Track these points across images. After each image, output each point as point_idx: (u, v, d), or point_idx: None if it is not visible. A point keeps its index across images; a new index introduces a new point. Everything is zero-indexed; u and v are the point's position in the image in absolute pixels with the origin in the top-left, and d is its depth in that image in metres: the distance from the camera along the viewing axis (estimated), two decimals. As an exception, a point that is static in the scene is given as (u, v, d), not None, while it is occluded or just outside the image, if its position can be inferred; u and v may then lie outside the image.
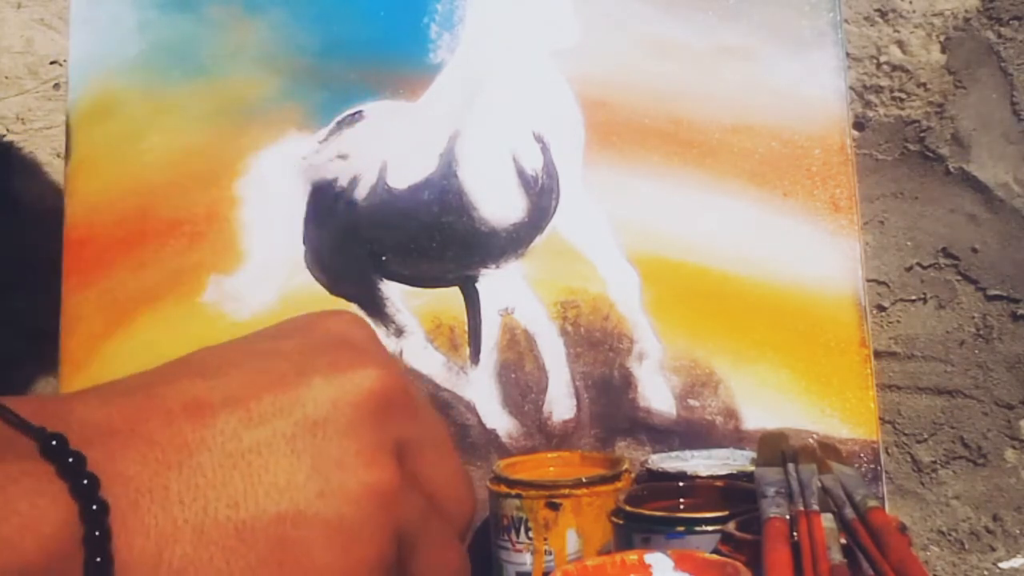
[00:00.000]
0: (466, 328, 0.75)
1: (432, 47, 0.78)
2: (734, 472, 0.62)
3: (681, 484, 0.62)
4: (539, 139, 0.76)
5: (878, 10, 0.78)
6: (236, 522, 0.29)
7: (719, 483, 0.61)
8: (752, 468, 0.58)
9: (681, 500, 0.61)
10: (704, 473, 0.63)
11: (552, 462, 0.69)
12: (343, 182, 0.77)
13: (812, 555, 0.47)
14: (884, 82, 0.77)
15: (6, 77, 0.87)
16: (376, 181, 0.77)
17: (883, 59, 0.77)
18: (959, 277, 0.76)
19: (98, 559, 0.27)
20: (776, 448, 0.57)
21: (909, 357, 0.77)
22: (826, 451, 0.58)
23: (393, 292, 0.76)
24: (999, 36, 0.76)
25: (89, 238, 0.77)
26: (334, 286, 0.77)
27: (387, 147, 0.73)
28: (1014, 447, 0.75)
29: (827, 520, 0.49)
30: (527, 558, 0.61)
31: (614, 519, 0.58)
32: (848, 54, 0.76)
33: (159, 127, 0.78)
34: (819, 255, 0.72)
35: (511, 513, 0.62)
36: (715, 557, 0.50)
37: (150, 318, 0.75)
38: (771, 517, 0.50)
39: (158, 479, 0.28)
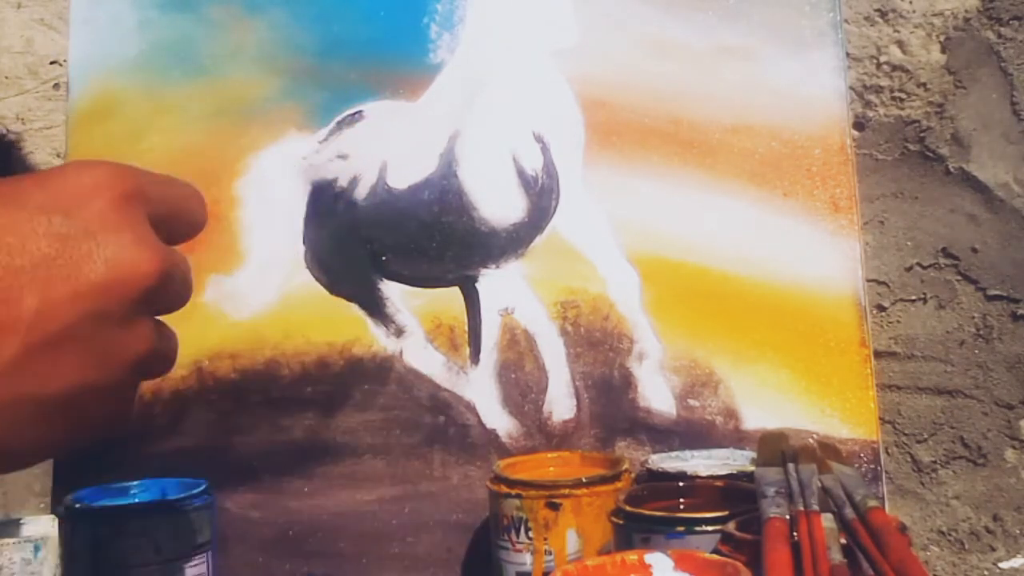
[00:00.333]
0: (466, 328, 0.75)
1: (432, 47, 0.78)
2: (734, 472, 0.62)
3: (681, 484, 0.62)
4: (539, 139, 0.76)
5: (878, 10, 0.78)
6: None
7: (719, 483, 0.61)
8: (752, 468, 0.58)
9: (681, 500, 0.61)
10: (704, 473, 0.63)
11: (552, 462, 0.69)
12: (343, 182, 0.77)
13: (812, 555, 0.47)
14: (884, 82, 0.78)
15: (6, 77, 0.87)
16: (376, 181, 0.77)
17: (883, 59, 0.78)
18: (959, 277, 0.76)
19: None
20: (776, 448, 0.57)
21: (909, 357, 0.77)
22: (826, 451, 0.58)
23: (393, 292, 0.76)
24: (999, 36, 0.76)
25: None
26: (334, 286, 0.77)
27: (387, 147, 0.73)
28: (1014, 447, 0.75)
29: (827, 520, 0.49)
30: (527, 558, 0.61)
31: (614, 519, 0.58)
32: (848, 54, 0.76)
33: (159, 127, 0.78)
34: (819, 255, 0.72)
35: (511, 513, 0.62)
36: (715, 557, 0.50)
37: (150, 318, 0.75)
38: (771, 517, 0.50)
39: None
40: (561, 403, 0.74)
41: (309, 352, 0.76)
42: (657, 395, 0.73)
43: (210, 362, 0.76)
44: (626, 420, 0.73)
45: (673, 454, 0.69)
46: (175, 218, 0.44)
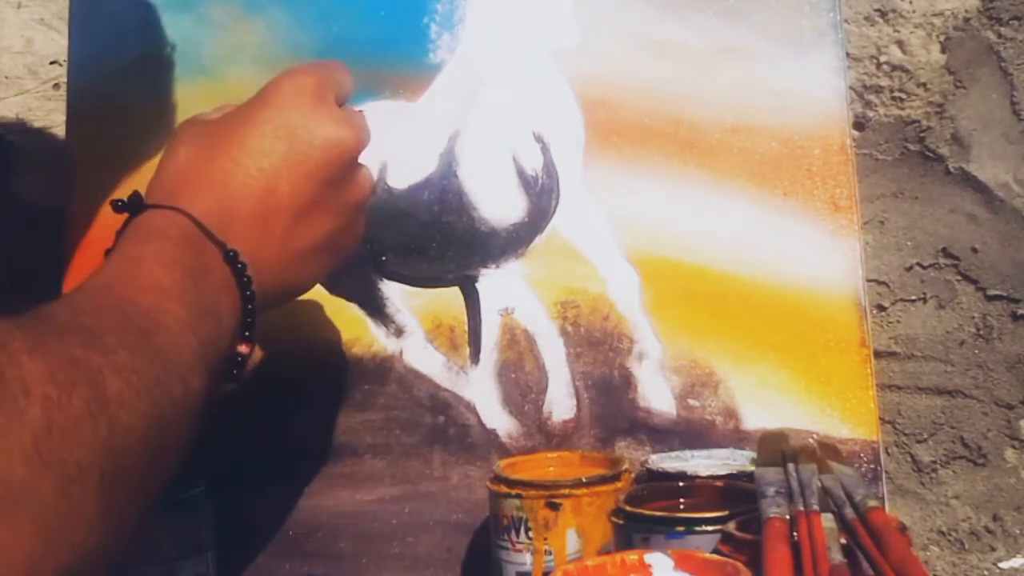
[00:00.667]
0: (466, 328, 0.75)
1: (432, 47, 0.78)
2: (734, 472, 0.62)
3: (681, 484, 0.62)
4: (539, 139, 0.76)
5: (878, 10, 0.78)
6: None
7: (719, 483, 0.61)
8: (752, 468, 0.58)
9: (681, 500, 0.61)
10: (704, 473, 0.63)
11: (552, 462, 0.69)
12: (343, 182, 0.77)
13: (812, 555, 0.47)
14: (884, 82, 0.78)
15: (6, 77, 0.88)
16: (376, 181, 0.77)
17: (883, 59, 0.77)
18: (959, 277, 0.76)
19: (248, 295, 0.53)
20: (776, 448, 0.57)
21: (909, 357, 0.77)
22: (826, 451, 0.58)
23: (393, 292, 0.76)
24: (999, 36, 0.76)
25: (89, 238, 0.77)
26: (334, 286, 0.77)
27: (387, 147, 0.73)
28: (1014, 447, 0.75)
29: (827, 520, 0.49)
30: (527, 558, 0.61)
31: (614, 519, 0.58)
32: (848, 54, 0.76)
33: (159, 127, 0.78)
34: (819, 255, 0.72)
35: (511, 513, 0.62)
36: (715, 557, 0.50)
37: (150, 318, 0.75)
38: (771, 517, 0.50)
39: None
40: (561, 403, 0.74)
41: (309, 352, 0.76)
42: (657, 395, 0.73)
43: (210, 362, 0.76)
44: (626, 420, 0.73)
45: (673, 454, 0.69)
46: (346, 95, 0.60)
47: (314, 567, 0.74)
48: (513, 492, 0.62)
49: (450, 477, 0.74)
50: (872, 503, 0.50)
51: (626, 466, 0.64)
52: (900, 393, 0.77)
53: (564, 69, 0.76)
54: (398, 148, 0.76)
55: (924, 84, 0.77)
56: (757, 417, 0.71)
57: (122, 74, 0.80)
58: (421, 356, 0.75)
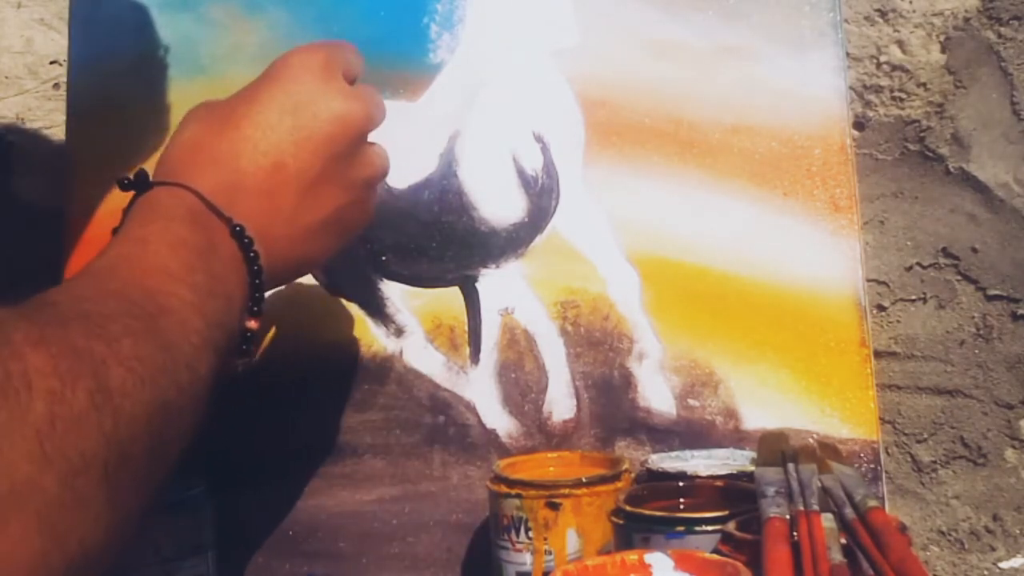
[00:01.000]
0: (466, 328, 0.75)
1: (432, 47, 0.78)
2: (734, 472, 0.62)
3: (681, 484, 0.62)
4: (539, 139, 0.76)
5: (878, 10, 0.78)
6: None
7: (719, 483, 0.61)
8: (752, 468, 0.58)
9: (681, 500, 0.61)
10: (704, 473, 0.63)
11: (552, 462, 0.69)
12: (343, 182, 0.77)
13: (812, 555, 0.47)
14: (884, 82, 0.78)
15: (6, 77, 0.88)
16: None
17: (883, 59, 0.78)
18: (959, 277, 0.76)
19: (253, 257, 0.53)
20: (776, 448, 0.57)
21: (909, 357, 0.77)
22: (826, 451, 0.58)
23: (393, 292, 0.76)
24: (999, 36, 0.76)
25: (89, 238, 0.77)
26: (334, 286, 0.77)
27: (387, 147, 0.73)
28: (1014, 447, 0.75)
29: (827, 520, 0.49)
30: (527, 558, 0.61)
31: (614, 519, 0.58)
32: (848, 54, 0.76)
33: (159, 127, 0.78)
34: (819, 255, 0.72)
35: (511, 513, 0.62)
36: (715, 557, 0.50)
37: (150, 318, 0.75)
38: (771, 517, 0.50)
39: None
40: (561, 403, 0.74)
41: (309, 352, 0.76)
42: (657, 395, 0.73)
43: (210, 362, 0.76)
44: (626, 420, 0.73)
45: (673, 454, 0.69)
46: (355, 73, 0.60)
47: (314, 567, 0.74)
48: (513, 492, 0.62)
49: (450, 477, 0.74)
50: (872, 503, 0.50)
51: (626, 466, 0.64)
52: (900, 393, 0.77)
53: (564, 69, 0.76)
54: (398, 148, 0.76)
55: (924, 84, 0.77)
56: (757, 417, 0.71)
57: (122, 74, 0.80)
58: (421, 356, 0.75)
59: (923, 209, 0.77)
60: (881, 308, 0.77)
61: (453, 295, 0.76)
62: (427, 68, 0.77)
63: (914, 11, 0.77)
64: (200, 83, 0.79)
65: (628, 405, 0.73)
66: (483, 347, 0.75)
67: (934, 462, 0.76)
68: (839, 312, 0.71)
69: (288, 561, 0.74)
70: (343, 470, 0.75)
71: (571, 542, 0.61)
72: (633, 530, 0.56)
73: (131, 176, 0.54)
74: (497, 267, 0.76)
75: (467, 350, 0.75)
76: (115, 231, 0.52)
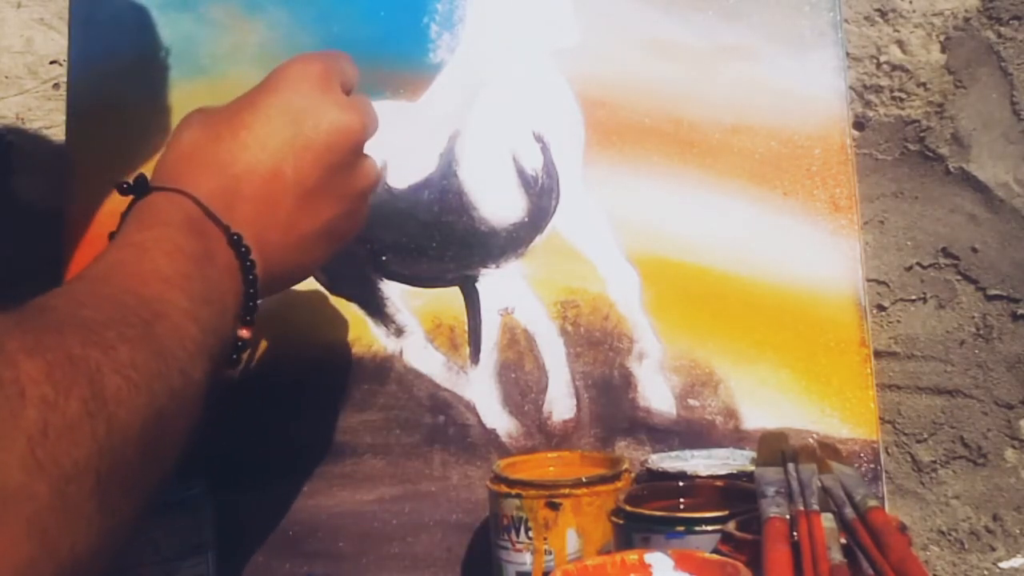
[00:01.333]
0: (466, 328, 0.75)
1: (432, 47, 0.78)
2: (734, 472, 0.62)
3: (681, 484, 0.62)
4: (539, 139, 0.76)
5: (878, 10, 0.78)
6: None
7: (719, 483, 0.61)
8: (752, 468, 0.58)
9: (681, 500, 0.61)
10: (704, 473, 0.63)
11: (552, 462, 0.69)
12: (343, 182, 0.77)
13: (812, 555, 0.47)
14: (884, 82, 0.78)
15: (6, 77, 0.87)
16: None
17: (883, 59, 0.78)
18: (959, 277, 0.76)
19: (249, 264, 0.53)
20: (776, 448, 0.57)
21: (909, 357, 0.77)
22: (826, 451, 0.58)
23: (393, 292, 0.76)
24: (999, 36, 0.76)
25: (89, 238, 0.77)
26: (334, 286, 0.77)
27: (387, 147, 0.73)
28: (1014, 447, 0.75)
29: (827, 520, 0.49)
30: (527, 558, 0.61)
31: (614, 519, 0.58)
32: (848, 54, 0.76)
33: (159, 127, 0.78)
34: (819, 255, 0.72)
35: (511, 513, 0.62)
36: (715, 557, 0.50)
37: (150, 318, 0.75)
38: (771, 517, 0.50)
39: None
40: (561, 403, 0.74)
41: (309, 352, 0.76)
42: (657, 395, 0.73)
43: (210, 362, 0.76)
44: (626, 420, 0.73)
45: (673, 454, 0.69)
46: (351, 83, 0.60)
47: (314, 567, 0.74)
48: (513, 492, 0.62)
49: (450, 477, 0.74)
50: (872, 503, 0.50)
51: (626, 466, 0.64)
52: (900, 393, 0.77)
53: (564, 69, 0.76)
54: (398, 148, 0.76)
55: (924, 84, 0.77)
56: (757, 417, 0.71)
57: (122, 74, 0.80)
58: (421, 356, 0.75)
59: (923, 209, 0.77)
60: (881, 308, 0.77)
61: (453, 295, 0.76)
62: (427, 68, 0.77)
63: (914, 11, 0.77)
64: (200, 83, 0.79)
65: (628, 405, 0.73)
66: (483, 347, 0.75)
67: (934, 462, 0.76)
68: (839, 312, 0.71)
69: (288, 561, 0.74)
70: (343, 470, 0.75)
71: (571, 542, 0.61)
72: (633, 530, 0.56)
73: (130, 181, 0.54)
74: (497, 267, 0.76)
75: (467, 350, 0.75)
76: (112, 236, 0.52)
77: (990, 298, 0.76)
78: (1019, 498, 0.75)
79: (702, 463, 0.66)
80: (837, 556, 0.47)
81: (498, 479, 0.64)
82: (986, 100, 0.76)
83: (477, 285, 0.76)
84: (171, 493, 0.66)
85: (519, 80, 0.77)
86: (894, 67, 0.77)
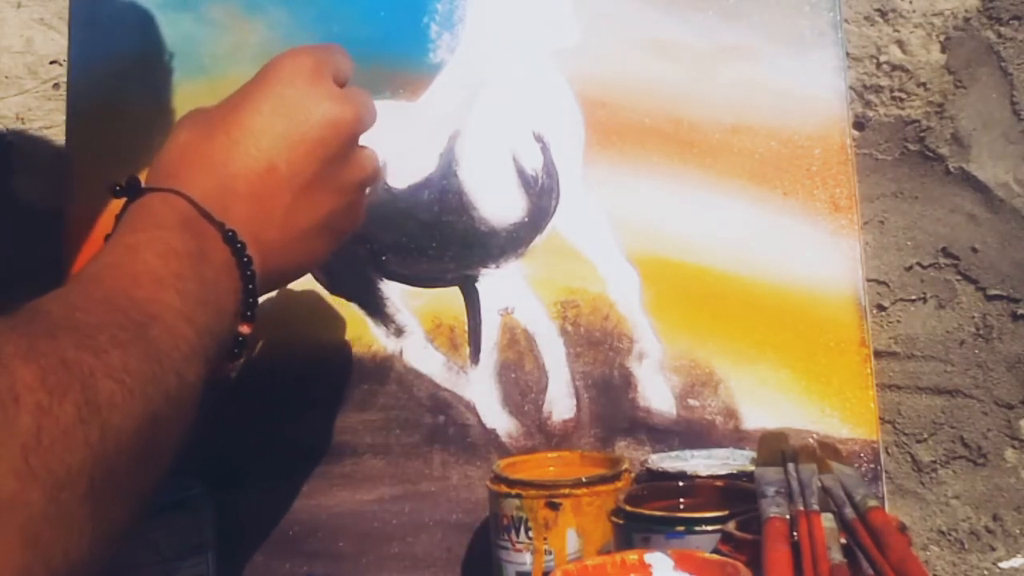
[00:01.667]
0: (466, 328, 0.75)
1: (432, 47, 0.78)
2: (734, 472, 0.62)
3: (681, 484, 0.62)
4: (539, 139, 0.76)
5: (878, 10, 0.78)
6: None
7: (719, 483, 0.61)
8: (752, 468, 0.58)
9: (681, 500, 0.61)
10: (704, 473, 0.63)
11: (552, 462, 0.69)
12: (343, 182, 0.77)
13: (812, 555, 0.47)
14: (884, 82, 0.78)
15: (6, 77, 0.87)
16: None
17: (883, 59, 0.78)
18: (959, 277, 0.76)
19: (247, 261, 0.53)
20: (776, 448, 0.57)
21: (909, 357, 0.77)
22: (826, 451, 0.58)
23: (393, 292, 0.76)
24: (999, 36, 0.76)
25: (89, 238, 0.77)
26: (334, 286, 0.77)
27: (387, 147, 0.73)
28: (1014, 447, 0.75)
29: (827, 520, 0.49)
30: (527, 558, 0.61)
31: (614, 519, 0.58)
32: (848, 54, 0.76)
33: (159, 127, 0.78)
34: (819, 255, 0.72)
35: (511, 513, 0.62)
36: (715, 557, 0.50)
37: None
38: (771, 517, 0.50)
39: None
40: (561, 403, 0.74)
41: (309, 352, 0.76)
42: (657, 395, 0.73)
43: (210, 362, 0.76)
44: (626, 420, 0.73)
45: (673, 454, 0.69)
46: (345, 76, 0.59)
47: (314, 567, 0.74)
48: (513, 492, 0.62)
49: (450, 477, 0.74)
50: (872, 503, 0.50)
51: (626, 466, 0.64)
52: (900, 393, 0.77)
53: (564, 69, 0.76)
54: (398, 148, 0.76)
55: (924, 84, 0.77)
56: (757, 417, 0.71)
57: (122, 74, 0.80)
58: (421, 356, 0.75)
59: (923, 209, 0.77)
60: (881, 308, 0.77)
61: (453, 295, 0.76)
62: (427, 68, 0.77)
63: (914, 11, 0.77)
64: (201, 83, 0.79)
65: (628, 405, 0.73)
66: (483, 347, 0.75)
67: (934, 462, 0.76)
68: (839, 312, 0.71)
69: (288, 561, 0.74)
70: (343, 470, 0.75)
71: (571, 542, 0.61)
72: (633, 530, 0.56)
73: (122, 183, 0.54)
74: (497, 267, 0.76)
75: (467, 350, 0.75)
76: (107, 238, 0.51)
77: (990, 298, 0.76)
78: (1019, 498, 0.75)
79: (702, 463, 0.66)
80: (837, 556, 0.47)
81: (498, 479, 0.64)
82: (986, 100, 0.76)
83: (477, 285, 0.76)
84: (171, 493, 0.66)
85: (519, 80, 0.77)
86: (894, 67, 0.77)
